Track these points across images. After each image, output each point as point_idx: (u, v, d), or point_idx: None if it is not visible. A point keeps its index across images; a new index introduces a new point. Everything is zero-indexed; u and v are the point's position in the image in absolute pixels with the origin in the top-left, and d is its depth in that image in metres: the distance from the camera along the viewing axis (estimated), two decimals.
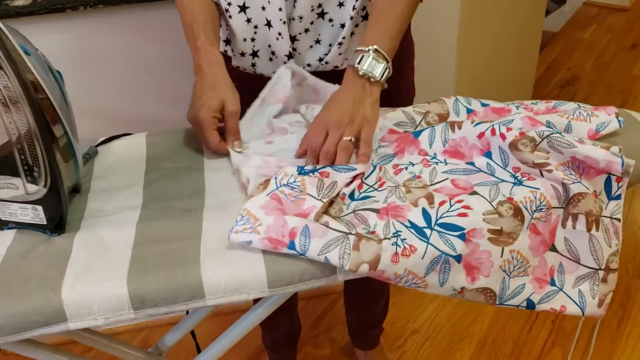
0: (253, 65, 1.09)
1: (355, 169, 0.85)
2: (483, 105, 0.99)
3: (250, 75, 1.12)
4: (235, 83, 1.00)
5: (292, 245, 0.76)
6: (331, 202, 0.83)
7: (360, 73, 0.92)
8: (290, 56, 1.06)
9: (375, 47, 0.93)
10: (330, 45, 1.05)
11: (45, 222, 0.83)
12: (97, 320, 0.74)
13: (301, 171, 0.85)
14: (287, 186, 0.82)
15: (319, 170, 0.86)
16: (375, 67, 0.92)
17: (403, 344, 1.77)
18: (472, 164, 0.90)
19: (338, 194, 0.83)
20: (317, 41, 1.06)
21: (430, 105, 1.01)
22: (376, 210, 0.81)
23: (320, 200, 0.81)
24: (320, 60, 1.07)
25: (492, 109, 0.98)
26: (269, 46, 1.06)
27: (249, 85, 1.11)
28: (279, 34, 1.04)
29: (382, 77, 0.93)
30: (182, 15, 1.04)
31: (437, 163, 0.90)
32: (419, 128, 0.97)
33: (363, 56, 0.93)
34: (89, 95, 1.50)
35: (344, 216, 0.82)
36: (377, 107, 0.95)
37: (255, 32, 1.06)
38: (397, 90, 1.14)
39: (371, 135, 0.92)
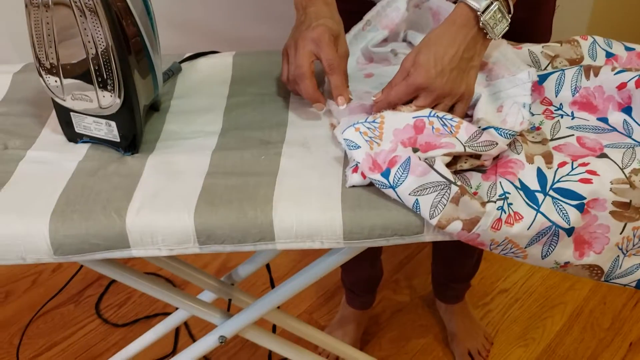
0: None
1: (516, 133, 0.71)
2: (627, 49, 0.83)
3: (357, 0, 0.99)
4: (340, 7, 0.89)
5: (386, 173, 0.67)
6: None
7: (480, 23, 0.74)
8: None
9: None
10: None
11: (118, 140, 0.78)
12: (161, 250, 0.69)
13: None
14: (440, 119, 0.71)
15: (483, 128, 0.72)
16: (498, 22, 0.74)
17: (489, 302, 1.65)
18: (605, 120, 0.75)
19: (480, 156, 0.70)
20: None
21: (562, 47, 0.85)
22: (481, 171, 0.70)
23: (464, 146, 0.69)
24: None
25: (639, 55, 0.81)
26: None
27: (356, 10, 0.99)
28: None
29: (499, 36, 0.76)
30: None
31: (562, 116, 0.76)
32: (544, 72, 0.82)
33: (491, 3, 0.74)
34: (177, 5, 1.43)
35: None
36: (476, 75, 0.77)
37: None
38: (531, 32, 0.98)
39: (464, 111, 0.77)
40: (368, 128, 0.70)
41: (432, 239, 0.68)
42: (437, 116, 0.71)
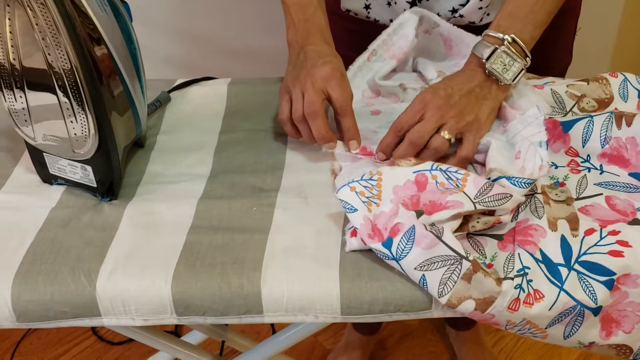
0: (366, 8, 0.88)
1: (533, 181, 0.63)
2: None
3: (360, 20, 0.91)
4: (340, 25, 0.81)
5: (388, 243, 0.59)
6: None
7: (487, 72, 0.70)
8: (413, 4, 0.84)
9: (512, 36, 0.70)
10: None
11: (95, 185, 0.70)
12: (135, 320, 0.61)
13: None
14: (443, 172, 0.63)
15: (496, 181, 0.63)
16: (509, 67, 0.70)
17: (502, 330, 1.57)
18: (637, 176, 0.66)
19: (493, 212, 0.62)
20: None
21: (589, 86, 0.76)
22: (497, 237, 0.62)
23: (473, 203, 0.61)
24: (454, 11, 0.84)
25: None
26: None
27: (358, 29, 0.91)
28: None
29: (514, 80, 0.71)
30: None
31: (589, 169, 0.68)
32: (569, 117, 0.73)
33: (495, 50, 0.70)
34: (167, 28, 1.34)
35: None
36: (494, 115, 0.72)
37: None
38: (550, 57, 0.90)
39: (475, 146, 0.70)
40: (365, 187, 0.62)
41: (441, 316, 0.60)
42: (440, 169, 0.63)
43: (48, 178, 0.73)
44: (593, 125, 0.69)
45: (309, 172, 0.73)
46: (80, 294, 0.60)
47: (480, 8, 0.83)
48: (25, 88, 0.64)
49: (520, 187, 0.61)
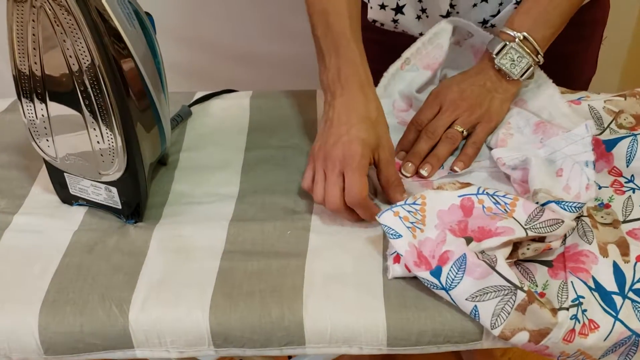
0: (394, 21, 0.85)
1: (583, 204, 0.61)
2: None
3: (386, 31, 0.88)
4: (364, 36, 0.78)
5: (437, 272, 0.56)
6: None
7: (496, 66, 0.73)
8: (446, 16, 0.82)
9: (524, 34, 0.71)
10: (500, 3, 0.80)
11: (120, 207, 0.67)
12: (170, 352, 0.58)
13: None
14: (490, 197, 0.61)
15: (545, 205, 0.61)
16: (517, 63, 0.72)
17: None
18: None
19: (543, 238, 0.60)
20: None
21: (626, 102, 0.75)
22: (547, 263, 0.60)
23: (524, 229, 0.58)
24: (485, 22, 0.82)
25: None
26: (420, 1, 0.82)
27: (383, 40, 0.88)
28: None
29: (522, 76, 0.73)
30: None
31: (634, 190, 0.66)
32: (607, 134, 0.71)
33: (505, 45, 0.72)
34: (184, 21, 1.31)
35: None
36: (507, 106, 0.75)
37: None
38: (577, 67, 0.89)
39: (484, 137, 0.74)
40: (409, 212, 0.60)
41: (491, 347, 0.57)
42: (487, 193, 0.61)
43: (68, 199, 0.70)
44: (637, 144, 0.67)
45: None
46: (112, 326, 0.57)
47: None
48: (47, 99, 0.60)
49: (571, 211, 0.59)
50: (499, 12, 0.80)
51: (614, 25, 1.19)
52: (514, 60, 0.72)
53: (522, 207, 0.60)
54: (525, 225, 0.58)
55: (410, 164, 0.70)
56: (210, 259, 0.62)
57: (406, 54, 0.80)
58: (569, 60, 0.88)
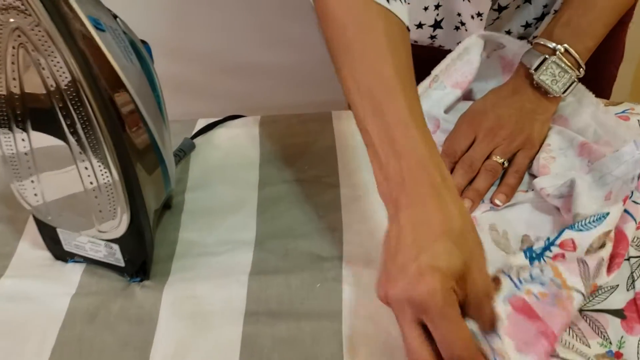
0: (432, 37, 0.77)
1: (606, 217, 0.53)
2: None
3: (421, 46, 0.80)
4: None
5: None
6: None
7: (535, 83, 0.65)
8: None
9: (565, 46, 0.64)
10: (545, 6, 0.72)
11: (123, 265, 0.59)
12: None
13: (532, 256, 0.54)
14: (532, 282, 0.49)
15: (559, 242, 0.53)
16: (559, 78, 0.64)
17: None
18: None
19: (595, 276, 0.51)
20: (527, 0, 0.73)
21: None
22: (618, 314, 0.52)
23: (583, 295, 0.50)
24: (527, 26, 0.74)
25: None
26: (459, 15, 0.73)
27: (419, 54, 0.80)
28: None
29: (564, 92, 0.65)
30: (340, 54, 0.51)
31: None
32: None
33: (545, 60, 0.64)
34: (175, 32, 1.22)
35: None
36: (547, 127, 0.67)
37: None
38: (603, 57, 0.82)
39: (527, 164, 0.65)
40: None
41: None
42: (525, 279, 0.49)
43: (62, 255, 0.61)
44: None
45: (373, 234, 0.62)
46: None
47: None
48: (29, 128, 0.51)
49: (591, 229, 0.52)
50: (542, 15, 0.73)
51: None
52: (555, 76, 0.64)
53: (568, 271, 0.51)
54: (586, 288, 0.50)
55: None
56: (231, 324, 0.54)
57: (435, 71, 0.72)
58: (595, 51, 0.82)
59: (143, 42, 0.58)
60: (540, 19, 0.74)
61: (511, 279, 0.49)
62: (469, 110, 0.68)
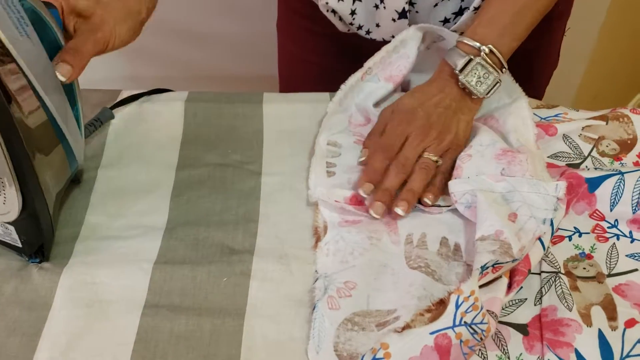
0: (352, 13, 0.74)
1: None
2: None
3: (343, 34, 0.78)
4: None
5: None
6: None
7: (459, 84, 0.64)
8: (402, 13, 0.71)
9: (489, 47, 0.63)
10: (462, 0, 0.71)
11: (19, 245, 0.55)
12: None
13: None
14: (468, 326, 0.48)
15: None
16: (483, 80, 0.63)
17: None
18: None
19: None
20: None
21: (608, 126, 0.67)
22: (522, 329, 0.52)
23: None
24: (446, 21, 0.72)
25: None
26: None
27: (342, 37, 0.78)
28: None
29: (488, 93, 0.64)
30: None
31: (617, 237, 0.59)
32: (589, 166, 0.64)
33: (470, 61, 0.63)
34: None
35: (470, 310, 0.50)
36: (469, 129, 0.66)
37: None
38: (539, 63, 0.84)
39: (452, 162, 0.64)
40: None
41: None
42: (466, 323, 0.48)
43: None
44: (624, 185, 0.59)
45: (290, 227, 0.60)
46: None
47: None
48: None
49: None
50: (460, 9, 0.71)
51: (581, 14, 1.11)
52: (480, 77, 0.63)
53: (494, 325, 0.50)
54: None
55: (380, 205, 0.59)
56: (128, 316, 0.52)
57: (369, 63, 0.69)
58: (533, 55, 0.81)
59: (49, 5, 0.53)
60: (459, 13, 0.72)
61: (457, 306, 0.48)
62: (397, 107, 0.65)
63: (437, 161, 0.63)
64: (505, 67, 0.64)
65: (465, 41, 0.64)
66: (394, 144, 0.63)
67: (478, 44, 0.63)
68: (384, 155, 0.63)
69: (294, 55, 0.90)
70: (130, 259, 0.56)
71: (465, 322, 0.48)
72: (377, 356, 0.47)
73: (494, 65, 0.63)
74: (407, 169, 0.62)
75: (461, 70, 0.63)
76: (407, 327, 0.49)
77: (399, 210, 0.59)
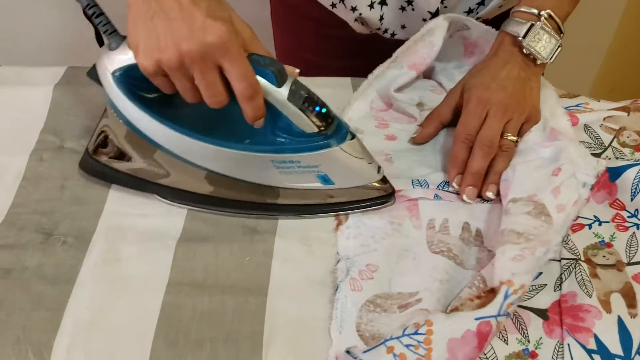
0: (381, 19, 0.74)
1: None
2: None
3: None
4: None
5: None
6: None
7: (524, 50, 0.64)
8: (435, 15, 0.72)
9: (548, 11, 0.63)
10: None
11: None
12: None
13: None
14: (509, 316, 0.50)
15: None
16: (546, 44, 0.64)
17: None
18: None
19: None
20: None
21: (629, 117, 0.67)
22: (542, 314, 0.52)
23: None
24: (470, 11, 0.73)
25: None
26: None
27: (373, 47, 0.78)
28: None
29: (551, 58, 0.65)
30: None
31: (637, 226, 0.59)
32: (610, 156, 0.64)
33: (532, 26, 0.63)
34: None
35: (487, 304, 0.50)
36: (539, 95, 0.66)
37: None
38: None
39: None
40: (408, 346, 0.47)
41: None
42: (508, 314, 0.49)
43: None
44: None
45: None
46: None
47: (501, 6, 0.74)
48: None
49: None
50: (483, 1, 0.71)
51: (600, 6, 1.11)
52: (543, 41, 0.63)
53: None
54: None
55: (472, 189, 0.60)
56: (152, 293, 0.52)
57: (396, 52, 0.70)
58: None
59: None
60: (481, 3, 0.72)
61: (502, 307, 0.49)
62: (468, 85, 0.65)
63: (516, 140, 0.63)
64: (563, 32, 0.64)
65: (523, 9, 0.64)
66: (475, 127, 0.63)
67: (536, 10, 0.63)
68: (465, 143, 0.62)
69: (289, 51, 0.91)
70: (154, 237, 0.57)
71: (508, 313, 0.49)
72: (419, 331, 0.47)
73: (554, 30, 0.64)
74: (493, 150, 0.62)
75: (524, 37, 0.63)
76: (455, 309, 0.49)
77: (489, 194, 0.60)
